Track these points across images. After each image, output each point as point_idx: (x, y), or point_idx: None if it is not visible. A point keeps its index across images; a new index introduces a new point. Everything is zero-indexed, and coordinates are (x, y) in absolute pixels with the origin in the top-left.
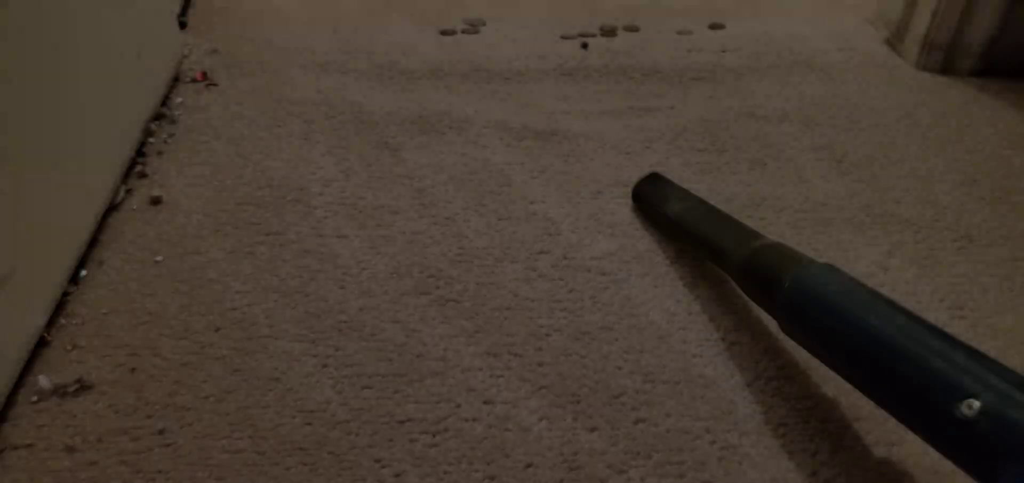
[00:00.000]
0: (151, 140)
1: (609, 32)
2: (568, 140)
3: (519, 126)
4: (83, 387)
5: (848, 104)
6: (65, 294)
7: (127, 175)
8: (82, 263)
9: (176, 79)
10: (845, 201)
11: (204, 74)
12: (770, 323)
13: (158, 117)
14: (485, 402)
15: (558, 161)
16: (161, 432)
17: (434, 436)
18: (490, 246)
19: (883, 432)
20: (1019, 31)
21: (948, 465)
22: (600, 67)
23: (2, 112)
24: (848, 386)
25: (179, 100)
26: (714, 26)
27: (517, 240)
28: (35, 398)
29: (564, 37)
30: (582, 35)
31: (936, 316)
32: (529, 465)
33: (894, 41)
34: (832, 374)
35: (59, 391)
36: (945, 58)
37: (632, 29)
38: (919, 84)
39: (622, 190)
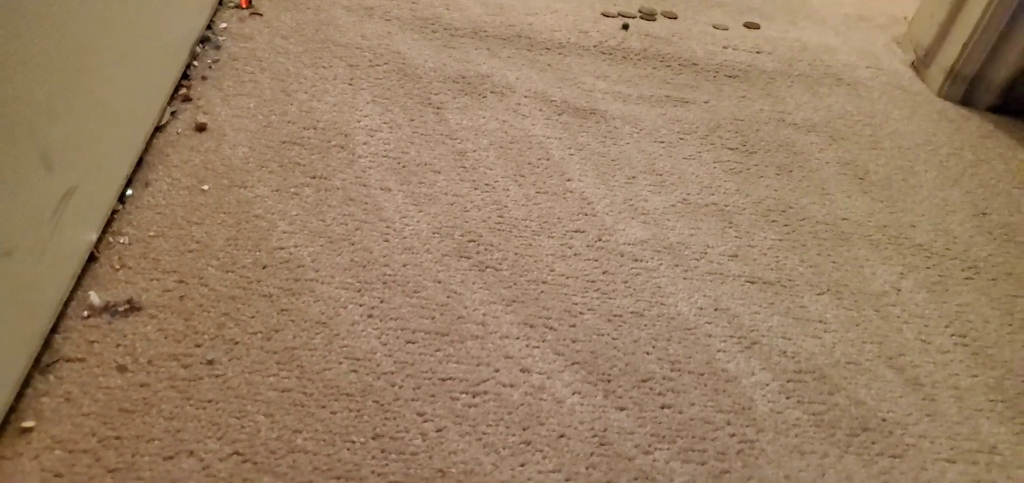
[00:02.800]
0: (195, 64)
1: (648, 16)
2: (606, 121)
3: (559, 100)
4: (133, 308)
5: (872, 123)
6: (112, 212)
7: (172, 97)
8: (128, 182)
9: (220, 2)
10: (864, 218)
11: (248, 1)
12: (789, 328)
13: (203, 40)
14: (522, 370)
15: (595, 141)
16: (210, 362)
17: (474, 397)
18: (528, 218)
19: (887, 444)
20: None
21: (945, 481)
22: (639, 51)
23: (76, 18)
24: (858, 397)
25: (223, 25)
26: (749, 25)
27: (554, 216)
28: (86, 313)
29: (605, 14)
30: (622, 15)
31: (941, 342)
32: (562, 436)
33: (920, 66)
34: (843, 383)
35: (110, 309)
36: (967, 90)
37: (670, 16)
38: (939, 113)
39: (656, 178)
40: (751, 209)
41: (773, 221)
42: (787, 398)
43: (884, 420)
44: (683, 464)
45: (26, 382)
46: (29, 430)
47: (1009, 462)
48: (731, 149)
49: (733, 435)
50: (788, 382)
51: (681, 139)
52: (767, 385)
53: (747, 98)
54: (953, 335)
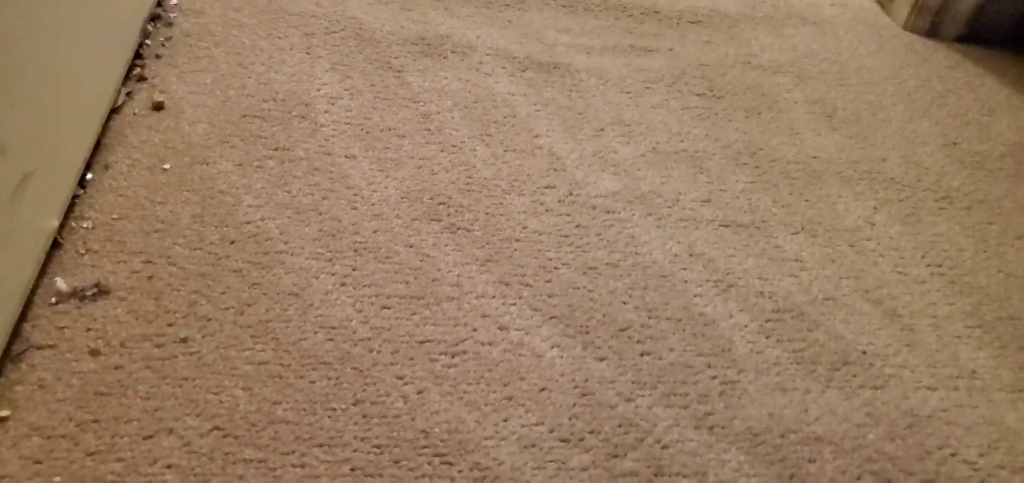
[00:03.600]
0: (148, 42)
1: None
2: (570, 75)
3: (522, 56)
4: (101, 292)
5: (839, 60)
6: (74, 197)
7: (126, 77)
8: (87, 166)
9: None
10: (835, 155)
11: None
12: (765, 268)
13: (153, 18)
14: (500, 328)
15: (561, 95)
16: (184, 340)
17: (453, 357)
18: (497, 177)
19: (868, 376)
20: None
21: (925, 409)
22: (599, 1)
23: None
24: (837, 332)
25: (174, 1)
26: None
27: (524, 173)
28: (53, 300)
29: None
30: None
31: (917, 272)
32: (543, 389)
33: (884, 0)
34: (822, 319)
35: (78, 294)
36: (933, 22)
37: None
38: (906, 46)
39: (624, 129)
40: (721, 153)
41: (744, 164)
42: (766, 338)
43: (864, 353)
44: (666, 408)
45: None
46: (5, 419)
47: (989, 385)
48: (698, 95)
49: (714, 377)
50: (767, 322)
51: (647, 88)
52: (746, 326)
53: (711, 43)
54: (929, 265)
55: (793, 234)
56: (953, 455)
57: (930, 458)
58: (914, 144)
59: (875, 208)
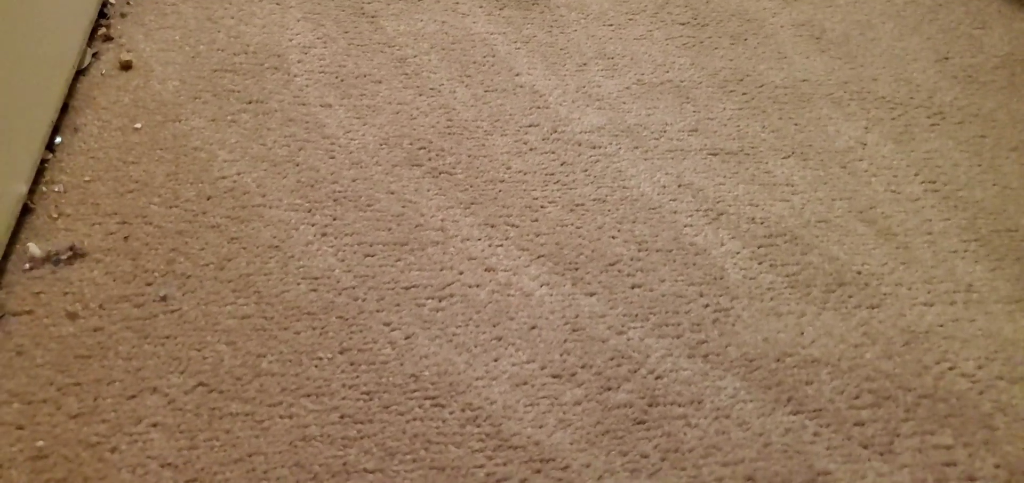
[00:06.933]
0: (112, 1)
1: None
2: (551, 10)
3: None
4: (76, 255)
5: None
6: (43, 161)
7: (91, 37)
8: (56, 129)
9: None
10: (824, 78)
11: None
12: (756, 194)
13: None
14: (487, 269)
15: (542, 32)
16: (164, 299)
17: (440, 301)
18: (478, 118)
19: (864, 296)
20: None
21: (922, 325)
22: None
23: None
24: (831, 253)
25: None
26: None
27: (505, 113)
28: (27, 265)
29: None
30: None
31: (911, 190)
32: (533, 327)
33: None
34: (815, 242)
35: (52, 259)
36: None
37: None
38: None
39: (607, 62)
40: (707, 82)
41: (731, 91)
42: (759, 263)
43: (859, 273)
44: (658, 339)
45: None
46: None
47: (986, 297)
48: (682, 24)
49: (707, 306)
50: (759, 248)
51: (630, 20)
52: (738, 253)
53: None
54: (923, 182)
55: (784, 158)
56: (951, 368)
57: (928, 373)
58: (905, 61)
59: (866, 128)
